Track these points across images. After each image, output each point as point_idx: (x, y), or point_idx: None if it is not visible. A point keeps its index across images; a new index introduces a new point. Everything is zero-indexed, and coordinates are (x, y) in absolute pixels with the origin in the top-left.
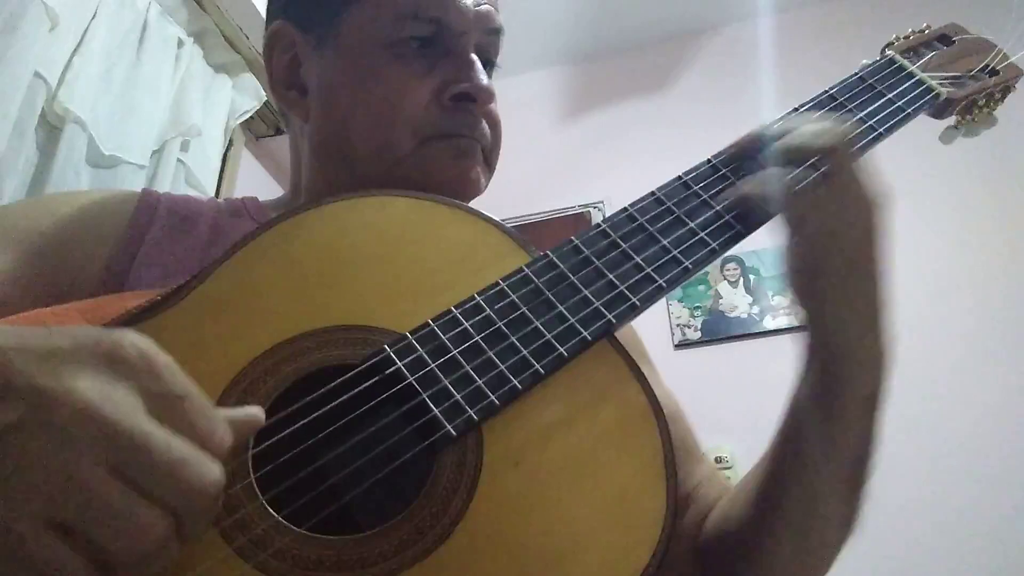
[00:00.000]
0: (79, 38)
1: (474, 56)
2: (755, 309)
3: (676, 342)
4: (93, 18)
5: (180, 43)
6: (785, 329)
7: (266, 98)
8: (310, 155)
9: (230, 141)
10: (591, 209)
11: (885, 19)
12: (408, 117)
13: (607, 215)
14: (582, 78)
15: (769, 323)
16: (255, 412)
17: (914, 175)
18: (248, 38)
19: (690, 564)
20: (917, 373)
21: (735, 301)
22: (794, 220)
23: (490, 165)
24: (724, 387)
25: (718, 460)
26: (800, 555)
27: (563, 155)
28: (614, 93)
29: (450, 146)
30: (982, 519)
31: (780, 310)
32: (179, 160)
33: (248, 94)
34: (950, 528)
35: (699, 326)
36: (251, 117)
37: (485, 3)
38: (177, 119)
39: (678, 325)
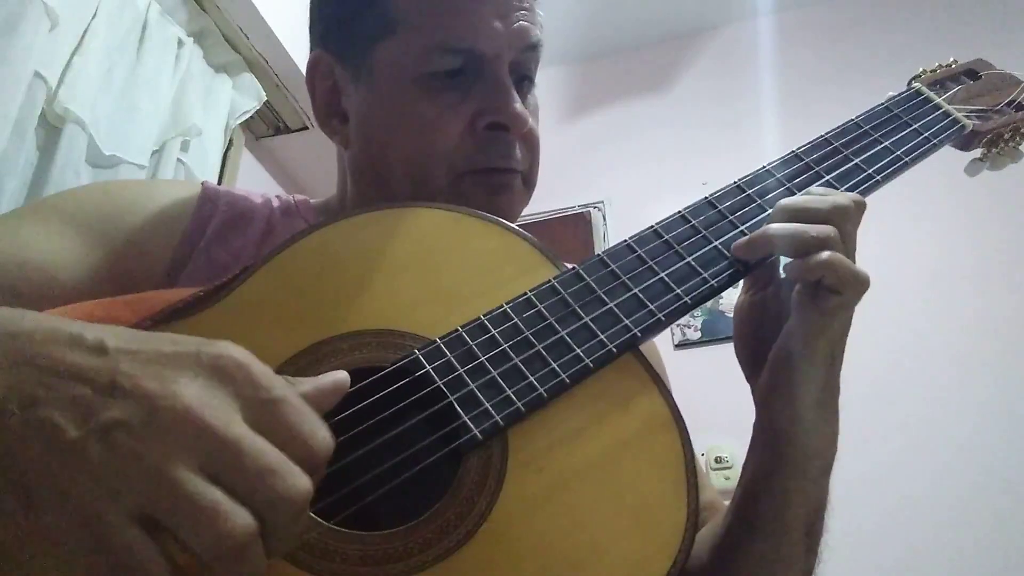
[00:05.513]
0: (79, 38)
1: (507, 81)
2: None
3: (676, 342)
4: (93, 18)
5: (180, 43)
6: None
7: (266, 98)
8: (350, 179)
9: (230, 141)
10: (591, 209)
11: (885, 19)
12: (442, 152)
13: (607, 216)
14: (582, 78)
15: None
16: (339, 377)
17: (914, 172)
18: (248, 38)
19: None
20: (916, 371)
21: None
22: (831, 288)
23: (529, 184)
24: (724, 387)
25: (718, 460)
26: None
27: (563, 155)
28: (614, 93)
29: (485, 182)
30: (980, 518)
31: None
32: (179, 160)
33: (248, 94)
34: (948, 527)
35: (699, 326)
36: (251, 117)
37: (520, 19)
38: (177, 119)
39: (678, 325)
